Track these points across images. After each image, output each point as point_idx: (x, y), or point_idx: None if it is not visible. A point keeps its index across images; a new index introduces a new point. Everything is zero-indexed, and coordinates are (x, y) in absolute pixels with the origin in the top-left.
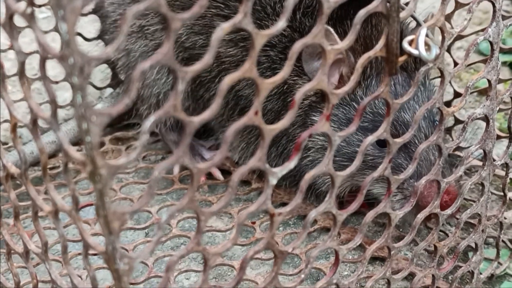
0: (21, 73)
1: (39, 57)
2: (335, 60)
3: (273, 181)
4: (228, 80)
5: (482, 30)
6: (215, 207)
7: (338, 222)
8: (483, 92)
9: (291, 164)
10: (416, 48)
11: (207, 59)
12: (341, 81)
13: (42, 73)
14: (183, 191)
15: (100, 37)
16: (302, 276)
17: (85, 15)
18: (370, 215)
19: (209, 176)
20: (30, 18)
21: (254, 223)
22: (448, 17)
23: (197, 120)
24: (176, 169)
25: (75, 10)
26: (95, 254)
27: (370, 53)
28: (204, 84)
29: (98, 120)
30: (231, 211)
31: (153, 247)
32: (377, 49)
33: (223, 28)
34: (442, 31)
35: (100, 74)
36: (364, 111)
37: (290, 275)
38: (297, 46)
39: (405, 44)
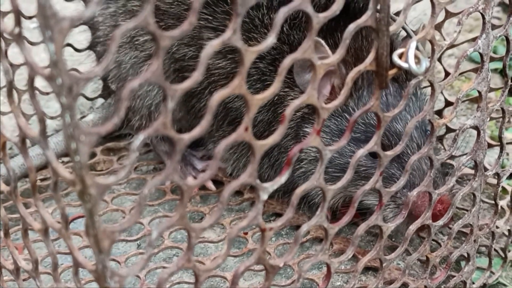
0: (9, 91)
1: (28, 76)
2: (326, 72)
3: (264, 196)
4: (217, 97)
5: (474, 39)
6: (206, 223)
7: (329, 236)
8: (475, 100)
9: (282, 179)
10: (406, 61)
11: (197, 76)
12: (333, 93)
13: (31, 93)
14: (175, 202)
15: (90, 47)
16: None
17: (76, 26)
18: (362, 227)
19: (201, 186)
20: (18, 38)
21: (246, 233)
22: (439, 26)
23: (187, 137)
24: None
25: (62, 31)
26: None
27: (360, 67)
28: (195, 95)
29: (87, 140)
30: (223, 222)
31: (144, 264)
32: (367, 63)
33: (212, 45)
34: (432, 44)
35: (92, 85)
36: (356, 122)
37: (283, 286)
38: (287, 61)
39: (395, 58)
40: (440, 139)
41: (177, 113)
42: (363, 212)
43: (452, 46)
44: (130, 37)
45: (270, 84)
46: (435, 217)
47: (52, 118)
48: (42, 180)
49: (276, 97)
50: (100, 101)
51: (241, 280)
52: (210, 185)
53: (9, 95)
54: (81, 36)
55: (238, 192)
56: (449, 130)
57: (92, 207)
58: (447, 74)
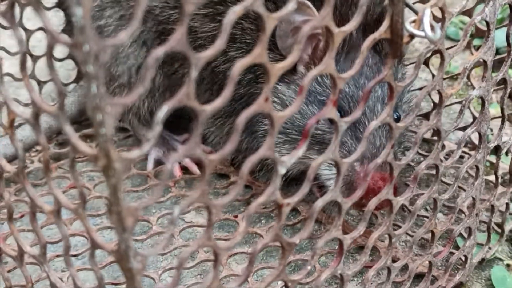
0: (22, 63)
1: (47, 45)
2: (309, 35)
3: (282, 170)
4: (239, 66)
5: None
6: (226, 199)
7: (343, 211)
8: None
9: (299, 152)
10: (421, 29)
11: (219, 43)
12: (314, 56)
13: (49, 62)
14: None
15: (64, 30)
16: (309, 267)
17: (49, 9)
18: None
19: (185, 170)
20: (36, 3)
21: (236, 216)
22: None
23: (209, 108)
24: (150, 165)
25: None
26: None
27: (375, 35)
28: (178, 59)
29: (113, 111)
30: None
31: (166, 243)
32: (382, 31)
33: (235, 12)
34: (443, 11)
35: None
36: (321, 85)
37: (297, 260)
38: (306, 29)
39: (408, 26)
40: (426, 115)
41: (158, 78)
42: None
43: None
44: None
45: (252, 44)
46: (372, 192)
47: (25, 105)
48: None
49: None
50: (72, 86)
51: (233, 264)
52: (195, 169)
53: (22, 67)
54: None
55: (224, 176)
56: (435, 105)
57: (117, 182)
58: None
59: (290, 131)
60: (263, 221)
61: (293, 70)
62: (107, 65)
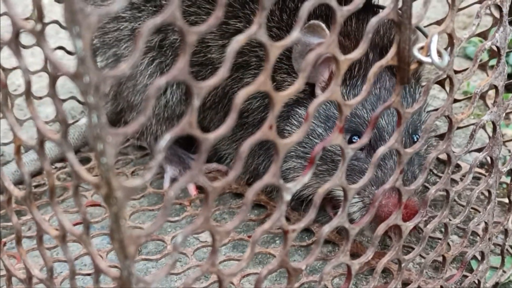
0: (27, 92)
1: (49, 76)
2: (324, 59)
3: (287, 197)
4: (243, 94)
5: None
6: (230, 225)
7: (350, 236)
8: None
9: (305, 178)
10: (428, 55)
11: (223, 72)
12: (331, 80)
13: (52, 92)
14: (175, 206)
15: None
16: None
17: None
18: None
19: (201, 190)
20: (40, 36)
21: (250, 236)
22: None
23: (212, 137)
24: (166, 184)
25: (90, 26)
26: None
27: (382, 62)
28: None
29: (114, 141)
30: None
31: (169, 269)
32: (389, 57)
33: (238, 41)
34: (452, 38)
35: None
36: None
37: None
38: (311, 57)
39: (416, 52)
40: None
41: (174, 99)
42: None
43: None
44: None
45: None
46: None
47: (46, 123)
48: (36, 186)
49: (274, 83)
50: None
51: (246, 284)
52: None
53: (27, 96)
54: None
55: (240, 195)
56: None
57: (119, 210)
58: None
59: (309, 155)
60: (277, 242)
61: (312, 93)
62: (125, 94)
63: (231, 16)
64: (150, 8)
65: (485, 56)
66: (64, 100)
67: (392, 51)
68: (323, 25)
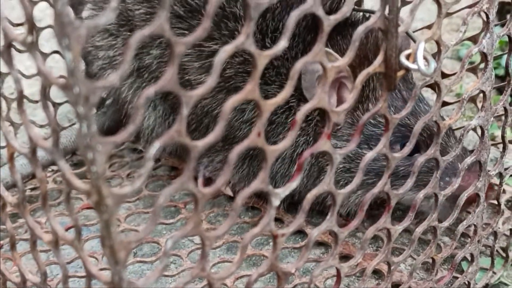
0: (19, 101)
1: (40, 86)
2: (333, 81)
3: (276, 202)
4: (230, 103)
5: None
6: (219, 231)
7: (339, 240)
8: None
9: (293, 184)
10: (415, 62)
11: (210, 82)
12: (340, 102)
13: (43, 102)
14: (170, 208)
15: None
16: None
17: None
18: (371, 231)
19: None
20: (31, 47)
21: None
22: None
23: (201, 144)
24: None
25: (80, 39)
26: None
27: (369, 70)
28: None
29: (104, 149)
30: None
31: (159, 274)
32: (376, 65)
33: (226, 50)
34: (439, 45)
35: None
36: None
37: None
38: (298, 65)
39: (403, 59)
40: None
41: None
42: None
43: None
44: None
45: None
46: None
47: (41, 126)
48: (31, 189)
49: (291, 110)
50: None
51: (240, 285)
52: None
53: (20, 105)
54: None
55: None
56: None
57: (109, 218)
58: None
59: (365, 177)
60: (271, 244)
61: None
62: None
63: (206, 38)
64: (125, 32)
65: (477, 58)
66: (60, 104)
67: (379, 58)
68: (331, 50)
